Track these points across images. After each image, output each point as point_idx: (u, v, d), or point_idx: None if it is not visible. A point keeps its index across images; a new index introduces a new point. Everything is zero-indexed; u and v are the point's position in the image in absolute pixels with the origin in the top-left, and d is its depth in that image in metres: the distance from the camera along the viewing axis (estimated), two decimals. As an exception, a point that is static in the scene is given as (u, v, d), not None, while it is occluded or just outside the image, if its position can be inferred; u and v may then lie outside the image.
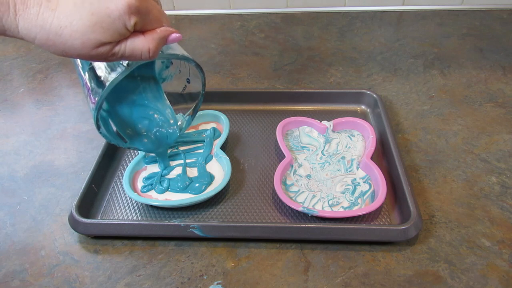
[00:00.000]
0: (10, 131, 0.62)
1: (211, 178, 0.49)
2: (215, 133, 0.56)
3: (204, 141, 0.54)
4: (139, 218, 0.47)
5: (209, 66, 0.74)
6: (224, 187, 0.48)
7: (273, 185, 0.47)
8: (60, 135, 0.60)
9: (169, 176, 0.50)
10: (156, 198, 0.47)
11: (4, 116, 0.65)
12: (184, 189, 0.48)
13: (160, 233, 0.44)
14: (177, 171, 0.50)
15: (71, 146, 0.58)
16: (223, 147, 0.54)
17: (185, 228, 0.43)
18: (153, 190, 0.48)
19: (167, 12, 0.90)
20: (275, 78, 0.70)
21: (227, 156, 0.50)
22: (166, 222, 0.44)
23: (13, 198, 0.51)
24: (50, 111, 0.65)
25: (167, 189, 0.48)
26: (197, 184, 0.48)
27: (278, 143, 0.53)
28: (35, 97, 0.69)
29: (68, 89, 0.70)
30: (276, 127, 0.55)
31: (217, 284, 0.40)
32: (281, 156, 0.53)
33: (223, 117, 0.57)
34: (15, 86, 0.72)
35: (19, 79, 0.74)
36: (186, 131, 0.57)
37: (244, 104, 0.63)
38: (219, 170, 0.50)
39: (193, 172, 0.50)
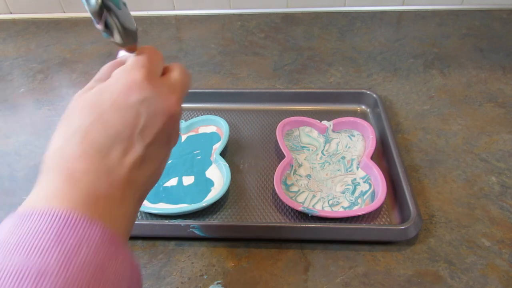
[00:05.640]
0: (11, 131, 0.62)
1: (210, 184, 0.49)
2: (214, 138, 0.56)
3: (202, 148, 0.54)
4: (139, 218, 0.47)
5: (209, 66, 0.74)
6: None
7: (273, 185, 0.47)
8: (60, 135, 0.60)
9: (167, 184, 0.49)
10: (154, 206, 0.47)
11: (4, 116, 0.65)
12: (180, 200, 0.47)
13: (160, 233, 0.44)
14: (174, 180, 0.50)
15: (71, 146, 0.58)
16: (223, 147, 0.54)
17: (185, 228, 0.43)
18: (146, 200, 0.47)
19: (167, 12, 0.91)
20: (275, 78, 0.70)
21: (227, 158, 0.50)
22: (166, 222, 0.44)
23: (14, 198, 0.51)
24: (51, 111, 0.65)
25: (162, 200, 0.47)
26: (195, 194, 0.48)
27: (278, 143, 0.53)
28: (36, 97, 0.69)
29: (68, 89, 0.70)
30: (276, 127, 0.55)
31: (217, 284, 0.40)
32: (281, 156, 0.53)
33: (223, 122, 0.56)
34: (15, 86, 0.72)
35: (20, 79, 0.74)
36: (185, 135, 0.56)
37: (244, 104, 0.63)
38: (219, 176, 0.50)
39: (191, 179, 0.50)
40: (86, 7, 0.30)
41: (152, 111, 0.28)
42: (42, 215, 0.22)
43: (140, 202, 0.29)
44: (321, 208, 0.46)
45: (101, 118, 0.27)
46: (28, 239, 0.21)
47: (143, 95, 0.28)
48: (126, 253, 0.24)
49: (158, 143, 0.29)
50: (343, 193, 0.48)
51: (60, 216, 0.22)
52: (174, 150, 0.54)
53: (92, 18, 0.30)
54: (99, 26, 0.30)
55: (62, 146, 0.27)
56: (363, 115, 0.61)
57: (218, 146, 0.53)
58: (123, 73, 0.29)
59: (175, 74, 0.32)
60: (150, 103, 0.28)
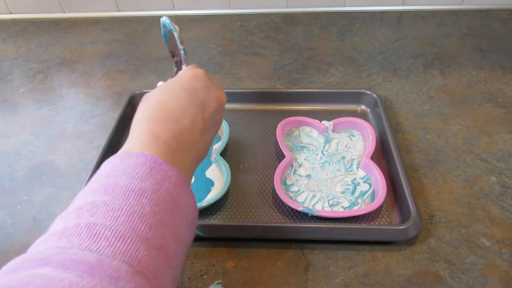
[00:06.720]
0: (11, 131, 0.62)
1: (210, 184, 0.49)
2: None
3: None
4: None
5: (209, 66, 0.74)
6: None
7: (273, 185, 0.47)
8: (61, 135, 0.60)
9: None
10: None
11: (4, 116, 0.65)
12: None
13: (160, 233, 0.44)
14: None
15: (72, 146, 0.58)
16: (223, 147, 0.54)
17: (185, 228, 0.43)
18: None
19: (167, 12, 0.91)
20: (275, 78, 0.70)
21: (227, 158, 0.50)
22: (166, 222, 0.44)
23: (14, 198, 0.51)
24: (50, 111, 0.65)
25: None
26: (195, 194, 0.48)
27: (278, 143, 0.53)
28: (35, 97, 0.69)
29: (68, 89, 0.70)
30: (276, 127, 0.55)
31: (217, 283, 0.40)
32: (281, 156, 0.53)
33: (223, 123, 0.56)
34: (15, 86, 0.72)
35: (20, 79, 0.74)
36: None
37: (244, 104, 0.63)
38: (219, 175, 0.50)
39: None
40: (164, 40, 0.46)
41: (210, 96, 0.38)
42: (138, 155, 0.29)
43: (196, 165, 0.36)
44: (321, 208, 0.46)
45: (174, 95, 0.36)
46: (130, 169, 0.29)
47: (204, 83, 0.39)
48: (191, 193, 0.32)
49: (212, 120, 0.38)
50: (343, 193, 0.48)
51: (151, 158, 0.29)
52: None
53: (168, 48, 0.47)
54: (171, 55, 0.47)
55: (146, 113, 0.35)
56: (363, 115, 0.61)
57: (218, 146, 0.53)
58: (188, 70, 0.40)
59: None
60: (208, 90, 0.38)
